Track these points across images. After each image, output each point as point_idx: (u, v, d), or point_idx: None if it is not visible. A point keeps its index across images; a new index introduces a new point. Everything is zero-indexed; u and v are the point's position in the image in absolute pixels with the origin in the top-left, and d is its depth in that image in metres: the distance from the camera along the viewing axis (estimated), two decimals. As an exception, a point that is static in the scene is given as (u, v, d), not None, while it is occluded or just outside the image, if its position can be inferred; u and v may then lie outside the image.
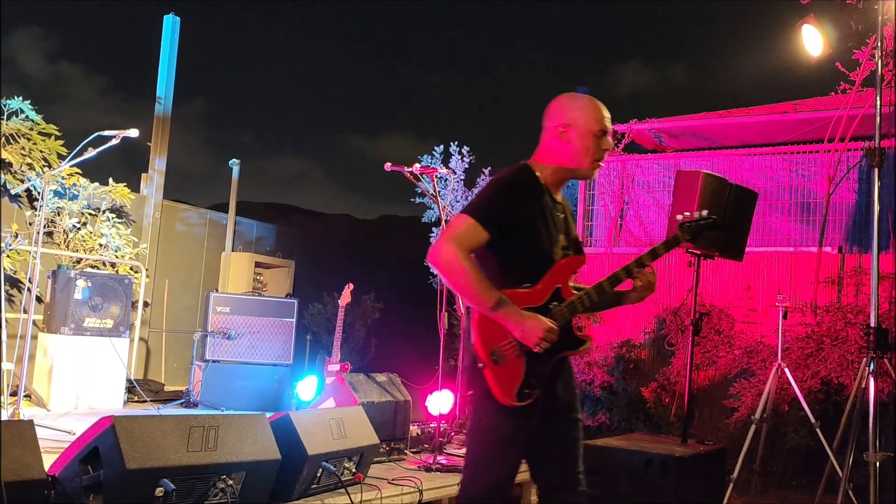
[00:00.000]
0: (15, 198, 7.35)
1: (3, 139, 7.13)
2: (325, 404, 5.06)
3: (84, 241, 7.78)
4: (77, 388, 6.32)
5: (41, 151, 7.36)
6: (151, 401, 6.81)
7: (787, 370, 5.45)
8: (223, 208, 10.44)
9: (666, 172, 8.62)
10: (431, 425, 5.29)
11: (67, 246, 7.68)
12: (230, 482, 3.08)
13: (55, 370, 6.29)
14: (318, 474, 3.56)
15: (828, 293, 7.31)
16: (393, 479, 4.07)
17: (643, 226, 8.66)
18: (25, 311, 5.55)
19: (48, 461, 2.90)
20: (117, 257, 7.95)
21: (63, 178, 7.52)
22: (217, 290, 8.74)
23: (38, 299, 6.93)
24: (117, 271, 7.75)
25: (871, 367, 4.25)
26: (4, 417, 4.80)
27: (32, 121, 7.38)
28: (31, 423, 2.81)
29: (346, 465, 3.71)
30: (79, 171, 7.61)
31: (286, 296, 9.04)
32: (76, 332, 6.38)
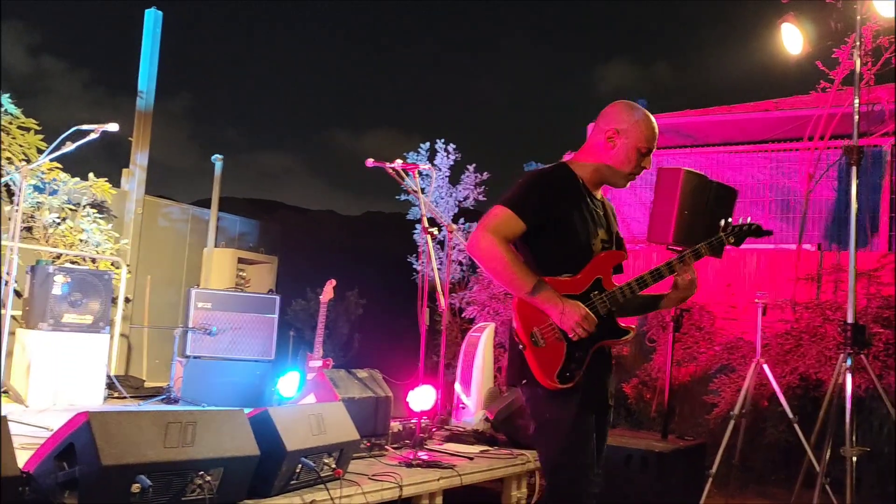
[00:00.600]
0: (-7, 192, 7.29)
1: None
2: (306, 400, 5.05)
3: (64, 236, 7.73)
4: (56, 384, 6.26)
5: (20, 146, 7.30)
6: (131, 397, 6.77)
7: (765, 366, 5.49)
8: (206, 204, 10.41)
9: (647, 169, 8.65)
10: (413, 421, 5.29)
11: (47, 241, 7.62)
12: (208, 478, 3.06)
13: (33, 366, 6.24)
14: (298, 470, 3.55)
15: (807, 290, 7.37)
16: (373, 475, 4.07)
17: (625, 222, 8.68)
18: (3, 307, 5.50)
19: (24, 458, 2.88)
20: (98, 253, 7.90)
21: (43, 172, 7.46)
22: (199, 286, 8.70)
23: (17, 294, 6.87)
24: (98, 267, 7.69)
25: (849, 363, 4.30)
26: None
27: (11, 114, 7.32)
28: (4, 419, 2.78)
29: (326, 461, 3.70)
30: (59, 165, 7.56)
31: (268, 292, 9.02)
32: (55, 327, 6.33)
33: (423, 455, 4.61)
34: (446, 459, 4.71)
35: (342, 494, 3.66)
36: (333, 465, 3.72)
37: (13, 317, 6.41)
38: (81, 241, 7.84)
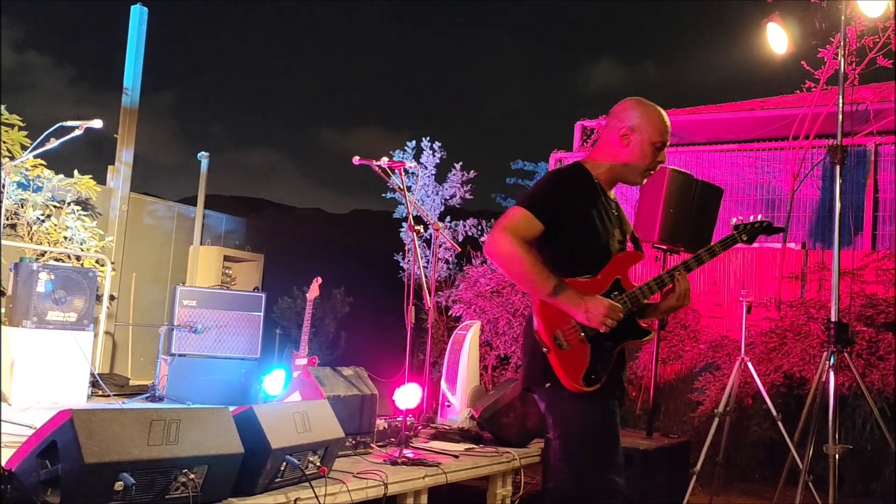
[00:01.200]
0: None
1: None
2: (291, 398, 5.04)
3: (48, 233, 7.67)
4: (39, 382, 6.22)
5: (4, 142, 7.24)
6: (116, 395, 6.73)
7: (750, 364, 5.52)
8: (192, 201, 10.36)
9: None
10: (398, 419, 5.29)
11: (31, 238, 7.57)
12: (192, 476, 3.05)
13: (17, 364, 6.19)
14: (282, 468, 3.54)
15: (791, 288, 7.41)
16: (358, 473, 4.06)
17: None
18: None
19: (7, 455, 2.87)
20: (83, 250, 7.85)
21: (27, 169, 7.41)
22: (184, 284, 8.67)
23: (0, 292, 6.82)
24: (82, 264, 7.65)
25: (832, 361, 4.32)
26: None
27: (-5, 111, 7.27)
28: (-13, 416, 2.76)
29: (311, 459, 3.69)
30: (43, 162, 7.51)
31: (254, 290, 8.99)
32: (39, 325, 6.28)
33: (408, 453, 4.61)
34: (431, 457, 4.71)
35: (327, 492, 3.66)
36: (318, 463, 3.71)
37: (-4, 314, 6.36)
38: (66, 238, 7.79)
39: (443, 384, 6.63)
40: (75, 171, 7.99)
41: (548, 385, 2.74)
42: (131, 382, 7.71)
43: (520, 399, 5.53)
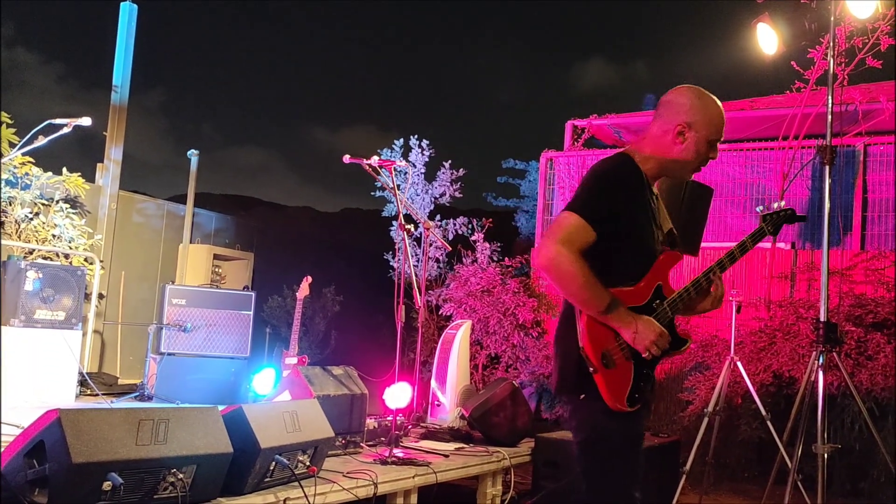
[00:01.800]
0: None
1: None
2: (281, 398, 5.02)
3: (36, 231, 7.62)
4: (28, 381, 6.19)
5: (-6, 140, 7.20)
6: (104, 394, 6.70)
7: (739, 364, 5.53)
8: (182, 200, 10.32)
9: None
10: (388, 418, 5.28)
11: (19, 236, 7.52)
12: (180, 476, 3.04)
13: (5, 363, 6.15)
14: (272, 468, 3.53)
15: (781, 288, 7.44)
16: (348, 473, 4.05)
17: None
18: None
19: (-8, 455, 2.85)
20: (71, 248, 7.80)
21: (15, 166, 7.36)
22: (174, 283, 8.63)
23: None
24: (71, 263, 7.60)
25: (821, 360, 4.33)
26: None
27: (-18, 108, 7.22)
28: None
29: (301, 459, 3.68)
30: (31, 160, 7.47)
31: (244, 288, 8.97)
32: (27, 324, 6.25)
33: (398, 452, 4.60)
34: (421, 457, 4.71)
35: (316, 492, 3.65)
36: (308, 463, 3.71)
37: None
38: (54, 236, 7.74)
39: (433, 383, 6.62)
40: (64, 169, 7.94)
41: (582, 396, 2.61)
42: (120, 381, 7.67)
43: (510, 398, 5.53)
